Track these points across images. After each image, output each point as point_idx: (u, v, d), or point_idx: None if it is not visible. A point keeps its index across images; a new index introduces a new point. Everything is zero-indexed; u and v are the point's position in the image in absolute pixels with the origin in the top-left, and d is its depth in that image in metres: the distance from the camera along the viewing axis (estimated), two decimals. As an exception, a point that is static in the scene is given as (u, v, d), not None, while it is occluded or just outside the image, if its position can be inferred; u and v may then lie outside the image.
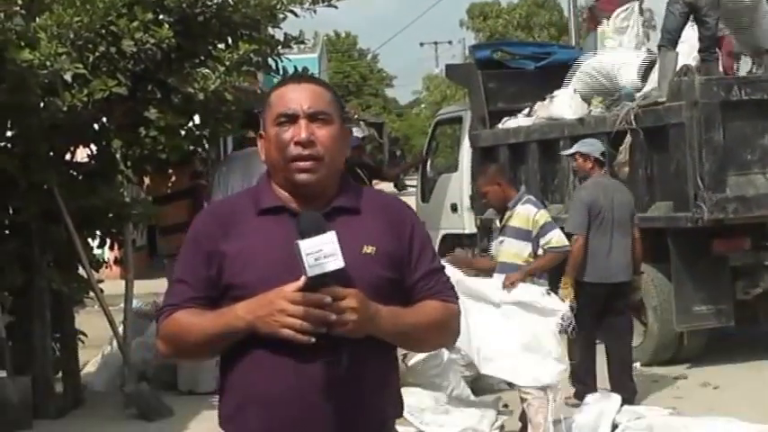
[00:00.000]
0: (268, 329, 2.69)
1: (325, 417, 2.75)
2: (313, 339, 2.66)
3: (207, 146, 9.72)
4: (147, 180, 9.78)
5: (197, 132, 9.19)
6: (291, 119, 2.85)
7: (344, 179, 2.95)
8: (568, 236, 8.50)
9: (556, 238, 7.61)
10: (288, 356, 2.72)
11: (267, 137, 2.91)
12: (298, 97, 2.86)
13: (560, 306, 7.49)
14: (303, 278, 2.64)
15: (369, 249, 2.82)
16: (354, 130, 12.90)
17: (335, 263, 2.63)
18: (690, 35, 11.03)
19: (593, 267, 8.80)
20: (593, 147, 9.34)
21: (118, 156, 8.81)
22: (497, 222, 7.79)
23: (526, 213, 7.58)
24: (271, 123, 2.89)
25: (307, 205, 2.83)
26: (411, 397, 7.20)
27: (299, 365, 2.73)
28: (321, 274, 2.63)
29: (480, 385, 9.10)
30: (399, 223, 2.91)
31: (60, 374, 9.04)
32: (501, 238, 7.70)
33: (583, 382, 8.90)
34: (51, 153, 8.70)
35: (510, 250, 7.64)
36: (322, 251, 2.62)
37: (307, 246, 2.63)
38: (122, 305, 9.58)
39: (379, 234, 2.85)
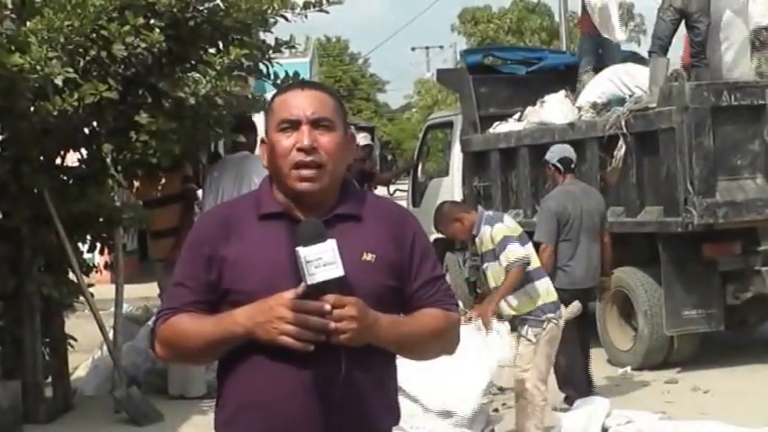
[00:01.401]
0: (267, 336, 2.68)
1: (323, 424, 2.75)
2: (312, 347, 2.65)
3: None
4: (136, 184, 9.76)
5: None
6: (294, 125, 2.83)
7: (346, 185, 2.94)
8: (536, 245, 8.51)
9: (509, 253, 7.34)
10: (286, 363, 2.72)
11: (269, 142, 2.88)
12: (301, 103, 2.84)
13: (500, 347, 7.44)
14: (302, 285, 2.64)
15: (369, 257, 2.81)
16: (360, 137, 12.86)
17: (335, 271, 2.63)
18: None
19: (559, 273, 8.82)
20: (552, 153, 9.37)
21: (108, 160, 8.77)
22: (479, 251, 7.69)
23: (486, 235, 7.44)
24: (273, 129, 2.86)
25: (308, 212, 2.82)
26: (401, 402, 7.21)
27: (297, 372, 2.72)
28: (321, 282, 2.63)
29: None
30: (401, 231, 2.90)
31: (50, 379, 9.01)
32: (485, 265, 7.64)
33: (573, 386, 8.91)
34: (42, 157, 8.69)
35: (496, 275, 7.55)
36: (322, 259, 2.62)
37: (307, 253, 2.63)
38: (113, 310, 9.55)
39: (380, 241, 2.84)
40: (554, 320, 7.51)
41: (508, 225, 7.54)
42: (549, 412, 7.73)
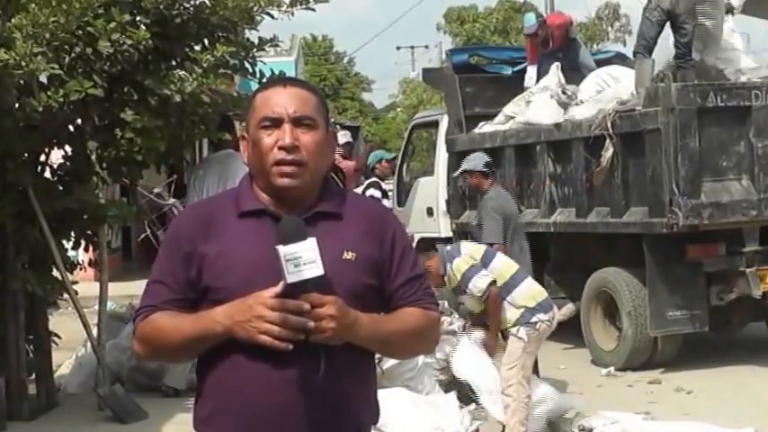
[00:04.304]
0: (246, 335, 2.67)
1: (303, 423, 2.74)
2: (291, 346, 2.64)
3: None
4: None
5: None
6: (276, 123, 2.81)
7: (327, 183, 2.92)
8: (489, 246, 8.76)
9: (474, 288, 7.45)
10: (266, 362, 2.70)
11: (250, 139, 2.86)
12: (283, 101, 2.82)
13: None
14: (282, 284, 2.63)
15: (349, 255, 2.79)
16: (341, 134, 12.88)
17: (315, 270, 2.61)
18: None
19: None
20: (475, 161, 9.60)
21: (93, 157, 8.75)
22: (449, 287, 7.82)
23: (450, 273, 7.55)
24: (254, 126, 2.84)
25: (288, 209, 2.80)
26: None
27: (276, 371, 2.71)
28: (300, 281, 2.61)
29: (454, 389, 9.10)
30: (381, 229, 2.89)
31: (34, 376, 8.98)
32: (460, 299, 7.83)
33: None
34: (26, 154, 8.65)
35: (473, 304, 7.74)
36: (302, 257, 2.61)
37: (286, 251, 2.61)
38: (97, 307, 9.52)
39: (361, 240, 2.83)
40: (547, 322, 7.50)
41: (464, 256, 7.62)
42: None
